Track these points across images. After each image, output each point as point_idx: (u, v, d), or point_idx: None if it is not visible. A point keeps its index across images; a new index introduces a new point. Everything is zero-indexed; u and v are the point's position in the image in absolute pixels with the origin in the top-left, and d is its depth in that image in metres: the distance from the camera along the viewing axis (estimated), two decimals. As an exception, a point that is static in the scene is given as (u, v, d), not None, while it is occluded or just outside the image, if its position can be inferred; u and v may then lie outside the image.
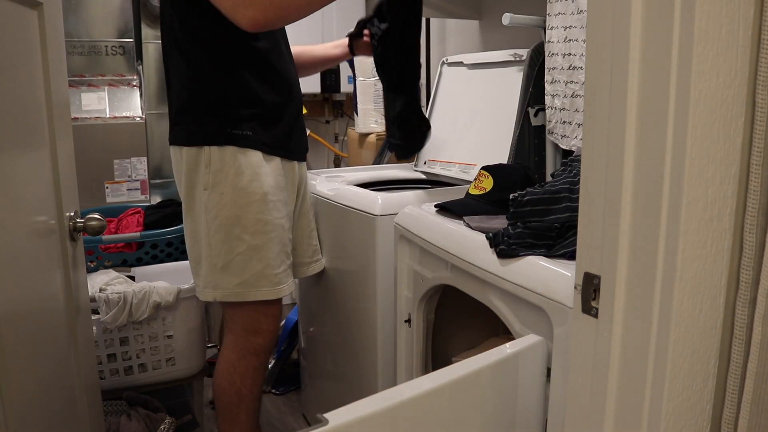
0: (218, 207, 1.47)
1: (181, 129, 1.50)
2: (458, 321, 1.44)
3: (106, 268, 2.05)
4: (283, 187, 1.55)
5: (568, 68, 1.47)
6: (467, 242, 1.14)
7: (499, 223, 1.14)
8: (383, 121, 2.45)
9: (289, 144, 1.56)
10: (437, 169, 1.98)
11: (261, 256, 1.49)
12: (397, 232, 1.40)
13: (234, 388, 1.57)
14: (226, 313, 1.60)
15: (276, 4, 1.32)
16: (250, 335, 1.55)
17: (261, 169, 1.48)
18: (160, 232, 2.18)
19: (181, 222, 2.31)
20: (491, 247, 1.06)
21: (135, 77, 2.78)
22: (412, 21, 1.52)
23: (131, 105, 2.76)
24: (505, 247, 1.03)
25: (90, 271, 1.94)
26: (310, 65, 1.81)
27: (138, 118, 2.71)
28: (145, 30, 2.79)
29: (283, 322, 2.39)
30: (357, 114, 2.54)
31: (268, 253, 1.50)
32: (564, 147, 1.55)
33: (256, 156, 1.47)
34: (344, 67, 2.79)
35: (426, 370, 1.39)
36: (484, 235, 1.10)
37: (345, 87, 3.07)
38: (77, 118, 2.59)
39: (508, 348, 0.94)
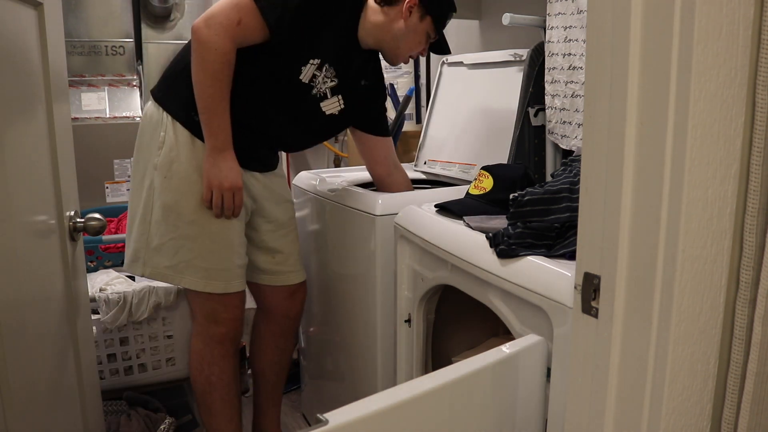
0: (160, 189, 1.49)
1: (158, 87, 1.56)
2: (458, 321, 1.44)
3: (106, 268, 2.05)
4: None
5: (568, 68, 1.47)
6: (467, 242, 1.14)
7: (499, 223, 1.14)
8: (383, 121, 2.45)
9: (242, 158, 1.53)
10: (437, 169, 1.98)
11: (192, 246, 1.50)
12: (397, 232, 1.40)
13: (203, 375, 1.59)
14: (188, 302, 1.63)
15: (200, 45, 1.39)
16: (211, 324, 1.57)
17: None
18: None
19: None
20: (491, 247, 1.06)
21: (135, 77, 2.78)
22: None
23: (131, 105, 2.75)
24: (505, 247, 1.03)
25: (90, 271, 1.94)
26: None
27: (138, 118, 2.71)
28: (145, 30, 2.79)
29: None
30: (357, 114, 2.53)
31: (200, 245, 1.51)
32: (564, 147, 1.55)
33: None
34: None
35: (426, 370, 1.39)
36: (484, 235, 1.10)
37: (345, 87, 3.06)
38: (77, 118, 2.59)
39: (508, 348, 0.94)
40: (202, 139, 1.47)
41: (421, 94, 2.51)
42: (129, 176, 2.72)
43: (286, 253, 1.70)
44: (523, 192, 1.08)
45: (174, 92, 1.52)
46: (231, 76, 1.42)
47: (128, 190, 2.72)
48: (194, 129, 1.48)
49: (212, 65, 1.40)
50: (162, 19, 2.81)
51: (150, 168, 1.51)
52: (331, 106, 1.57)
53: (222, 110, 1.43)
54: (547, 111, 1.58)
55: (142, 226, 1.51)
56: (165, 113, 1.50)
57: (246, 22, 1.39)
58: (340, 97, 1.57)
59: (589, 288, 0.67)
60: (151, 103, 1.55)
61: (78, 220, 1.24)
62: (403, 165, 2.22)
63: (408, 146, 2.38)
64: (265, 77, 1.49)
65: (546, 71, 1.55)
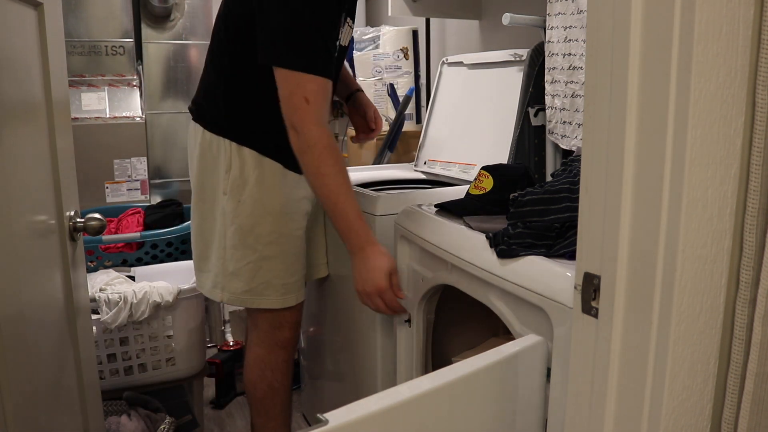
0: (234, 214, 1.46)
1: (208, 110, 1.48)
2: (458, 321, 1.44)
3: (106, 268, 2.05)
4: (301, 198, 1.52)
5: (568, 68, 1.47)
6: (467, 242, 1.14)
7: (499, 223, 1.14)
8: (383, 121, 2.45)
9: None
10: (437, 169, 1.98)
11: (271, 266, 1.49)
12: (397, 232, 1.40)
13: (266, 382, 1.59)
14: (249, 311, 1.61)
15: (319, 166, 1.29)
16: (276, 330, 1.57)
17: (281, 180, 1.47)
18: (160, 232, 2.18)
19: (180, 222, 2.31)
20: (491, 247, 1.06)
21: (135, 77, 2.78)
22: None
23: (131, 105, 2.75)
24: (505, 247, 1.03)
25: (90, 271, 1.94)
26: None
27: (138, 118, 2.71)
28: (145, 30, 2.79)
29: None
30: (357, 114, 2.53)
31: (279, 264, 1.50)
32: (564, 147, 1.55)
33: (275, 166, 1.46)
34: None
35: (426, 370, 1.39)
36: (484, 235, 1.10)
37: (345, 87, 3.06)
38: (77, 118, 2.59)
39: (508, 348, 0.94)
40: (270, 157, 1.44)
41: (421, 94, 2.51)
42: (128, 175, 2.72)
43: (319, 245, 1.71)
44: (523, 192, 1.08)
45: (223, 114, 1.47)
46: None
47: (129, 190, 2.72)
48: (258, 147, 1.44)
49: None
50: (162, 19, 2.81)
51: (219, 194, 1.48)
52: (345, 33, 1.46)
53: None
54: (547, 111, 1.58)
55: (218, 252, 1.50)
56: (226, 140, 1.45)
57: (313, 92, 1.27)
58: (347, 17, 1.45)
59: (589, 288, 0.67)
60: (197, 129, 1.49)
61: (78, 220, 1.24)
62: (403, 165, 2.22)
63: (408, 146, 2.38)
64: None
65: (546, 71, 1.55)
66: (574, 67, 1.46)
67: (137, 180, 2.71)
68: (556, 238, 1.03)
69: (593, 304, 0.67)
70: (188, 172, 1.60)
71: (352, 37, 1.57)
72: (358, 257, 1.34)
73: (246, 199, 1.45)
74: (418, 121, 2.48)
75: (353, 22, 1.53)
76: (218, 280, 1.52)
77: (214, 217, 1.50)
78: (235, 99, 1.46)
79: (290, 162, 1.43)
